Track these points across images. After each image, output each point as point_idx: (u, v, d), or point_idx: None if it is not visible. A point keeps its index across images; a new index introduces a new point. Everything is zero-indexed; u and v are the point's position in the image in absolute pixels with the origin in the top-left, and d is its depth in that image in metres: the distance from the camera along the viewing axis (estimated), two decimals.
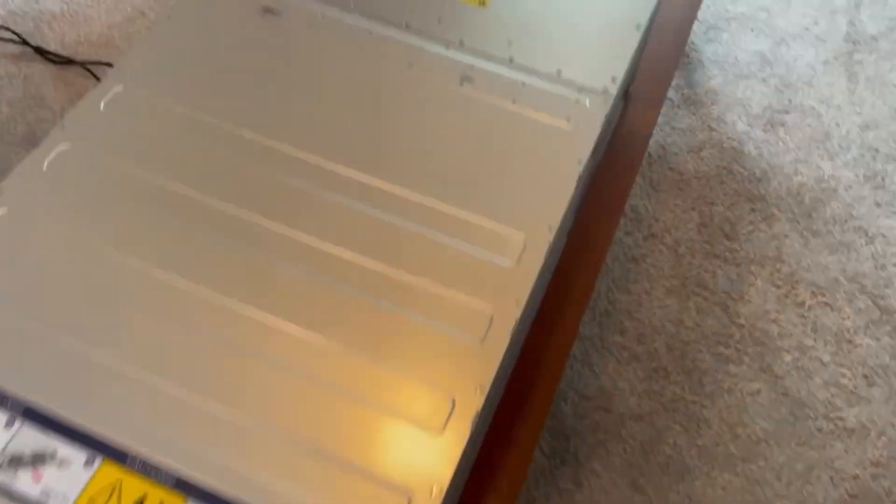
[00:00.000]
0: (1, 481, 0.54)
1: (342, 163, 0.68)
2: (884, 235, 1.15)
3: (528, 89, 0.72)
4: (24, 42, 1.27)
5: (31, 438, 0.55)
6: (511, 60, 0.74)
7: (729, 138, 1.24)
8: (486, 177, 0.67)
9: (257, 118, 0.70)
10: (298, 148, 0.68)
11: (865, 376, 1.02)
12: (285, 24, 0.76)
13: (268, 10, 0.76)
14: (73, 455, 0.55)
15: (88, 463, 0.54)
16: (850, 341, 1.05)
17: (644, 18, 0.77)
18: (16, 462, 0.54)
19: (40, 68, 1.25)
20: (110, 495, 0.54)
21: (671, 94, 1.28)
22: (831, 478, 0.94)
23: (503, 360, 0.59)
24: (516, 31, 0.76)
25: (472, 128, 0.70)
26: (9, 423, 0.55)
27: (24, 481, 0.54)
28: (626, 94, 0.87)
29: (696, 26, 1.35)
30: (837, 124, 1.27)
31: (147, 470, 0.54)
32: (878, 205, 1.18)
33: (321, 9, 0.76)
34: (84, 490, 0.54)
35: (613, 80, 0.72)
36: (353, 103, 0.71)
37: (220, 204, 0.65)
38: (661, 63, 0.92)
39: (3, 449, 0.54)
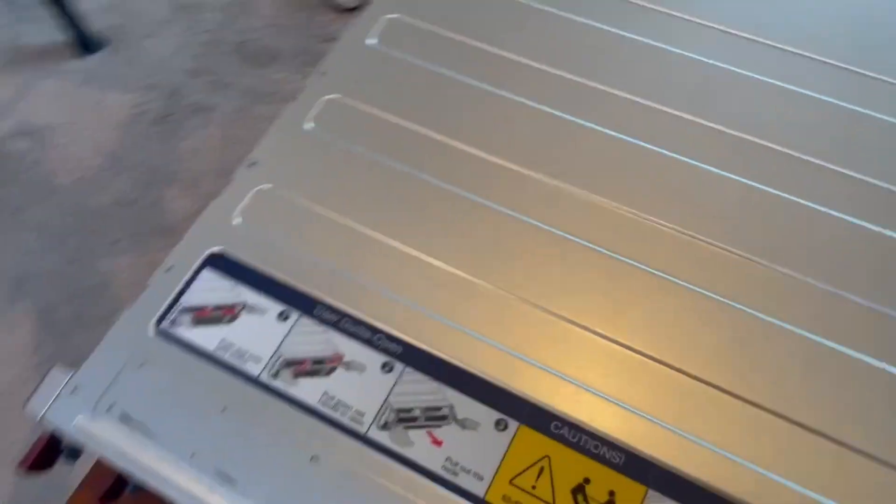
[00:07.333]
0: (390, 444, 0.45)
1: None
2: None
3: None
4: None
5: (416, 387, 0.47)
6: None
7: None
8: None
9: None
10: None
11: None
12: None
13: None
14: (480, 415, 0.46)
15: (500, 426, 0.46)
16: None
17: None
18: (403, 418, 0.46)
19: None
20: (539, 474, 0.44)
21: None
22: None
23: None
24: None
25: None
26: (386, 368, 0.48)
27: (420, 443, 0.45)
28: None
29: None
30: None
31: (582, 441, 0.45)
32: None
33: None
34: (501, 464, 0.44)
35: None
36: None
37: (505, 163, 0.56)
38: None
39: (385, 401, 0.47)
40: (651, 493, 0.43)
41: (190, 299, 0.51)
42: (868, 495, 0.43)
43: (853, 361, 0.47)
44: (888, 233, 0.52)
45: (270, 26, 1.40)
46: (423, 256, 0.52)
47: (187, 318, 0.50)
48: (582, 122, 0.58)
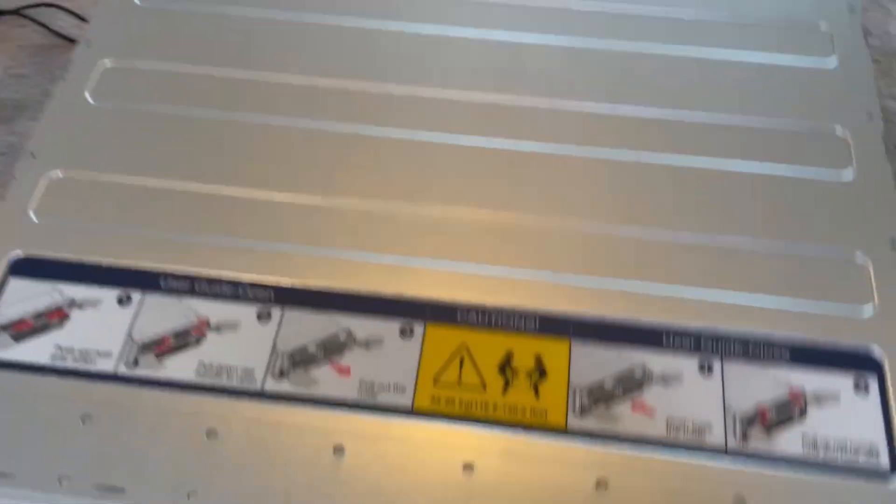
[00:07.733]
0: (293, 390, 0.40)
1: None
2: None
3: None
4: None
5: (303, 325, 0.42)
6: None
7: None
8: None
9: None
10: None
11: None
12: None
13: None
14: (381, 329, 0.42)
15: (406, 334, 0.42)
16: None
17: None
18: (298, 360, 0.41)
19: None
20: (461, 364, 0.41)
21: None
22: None
23: None
24: None
25: None
26: (263, 317, 0.42)
27: (325, 379, 0.40)
28: None
29: None
30: None
31: (493, 319, 0.42)
32: None
33: None
34: (419, 369, 0.41)
35: None
36: None
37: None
38: None
39: (273, 349, 0.41)
40: (574, 342, 0.41)
41: (2, 316, 0.42)
42: (744, 275, 0.44)
43: (688, 170, 0.48)
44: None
45: (7, 78, 1.25)
46: (262, 194, 0.46)
47: (5, 336, 0.41)
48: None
